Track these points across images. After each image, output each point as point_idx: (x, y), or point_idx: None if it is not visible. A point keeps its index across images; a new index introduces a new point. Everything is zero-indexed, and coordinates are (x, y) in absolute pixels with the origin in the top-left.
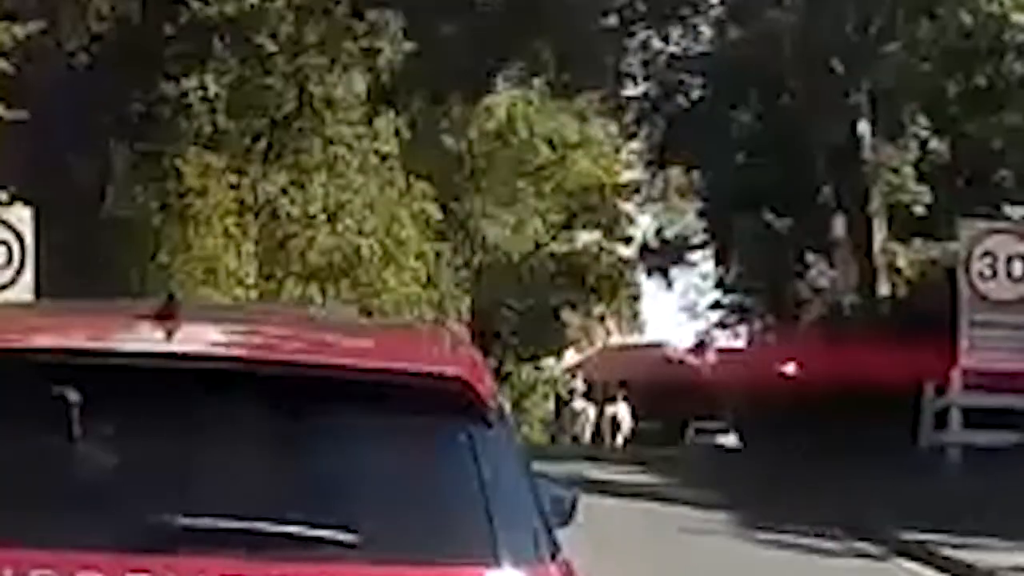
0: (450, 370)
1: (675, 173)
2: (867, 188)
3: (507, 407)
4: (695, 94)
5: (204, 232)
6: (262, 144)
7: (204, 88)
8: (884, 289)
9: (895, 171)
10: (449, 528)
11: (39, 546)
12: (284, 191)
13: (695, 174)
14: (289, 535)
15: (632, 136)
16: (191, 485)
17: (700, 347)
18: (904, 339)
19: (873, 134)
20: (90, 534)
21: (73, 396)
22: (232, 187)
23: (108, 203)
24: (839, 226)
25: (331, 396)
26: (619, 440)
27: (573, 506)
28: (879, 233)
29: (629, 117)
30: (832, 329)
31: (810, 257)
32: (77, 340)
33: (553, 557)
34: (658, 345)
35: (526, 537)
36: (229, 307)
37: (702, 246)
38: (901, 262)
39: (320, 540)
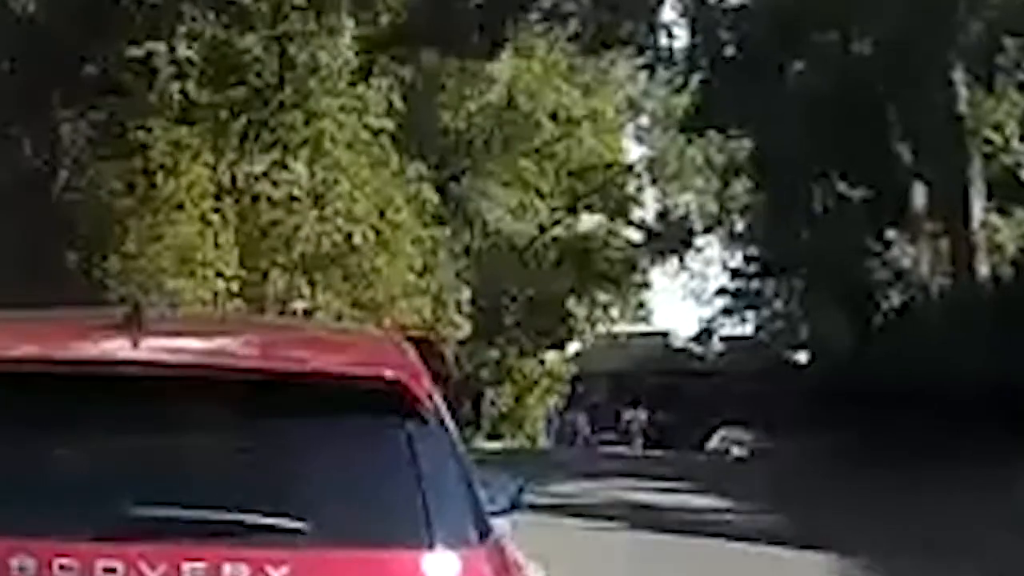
0: (389, 374)
1: (687, 148)
2: (963, 150)
3: (506, 402)
4: (741, 43)
5: (176, 218)
6: (241, 121)
7: (173, 51)
8: (984, 269)
9: (996, 128)
10: (388, 516)
11: (18, 536)
12: (265, 173)
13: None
14: (243, 523)
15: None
16: (153, 480)
17: (705, 335)
18: (1008, 329)
19: (970, 85)
20: (63, 525)
21: (44, 402)
22: (207, 166)
23: (59, 185)
24: (919, 197)
25: (281, 398)
26: (638, 443)
27: (520, 491)
28: (977, 203)
29: (663, 74)
30: (917, 318)
31: (889, 233)
32: (47, 350)
33: (484, 540)
34: (661, 334)
35: (459, 523)
36: (192, 316)
37: (709, 229)
38: (1002, 237)
39: (271, 528)
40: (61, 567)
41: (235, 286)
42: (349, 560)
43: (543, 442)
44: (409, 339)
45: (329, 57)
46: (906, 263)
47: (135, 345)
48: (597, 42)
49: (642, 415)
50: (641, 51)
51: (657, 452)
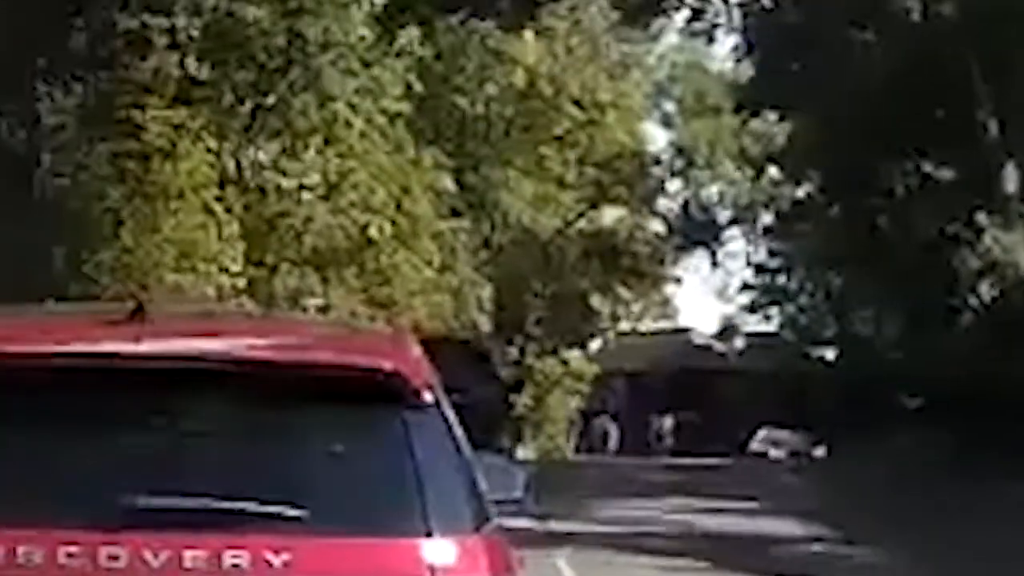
0: (388, 364)
1: (720, 134)
2: None
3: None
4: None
5: (176, 208)
6: (247, 103)
7: (172, 25)
8: None
9: None
10: (386, 504)
11: (24, 526)
12: (274, 160)
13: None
14: (243, 512)
15: None
16: (156, 470)
17: (728, 332)
18: None
19: None
20: (68, 516)
21: (48, 396)
22: (210, 152)
23: (43, 169)
24: (1011, 178)
25: (282, 388)
26: (665, 450)
27: (527, 483)
28: None
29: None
30: (1011, 313)
31: (980, 218)
32: (52, 344)
33: (482, 528)
34: (682, 331)
35: (456, 511)
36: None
37: (734, 221)
38: None
39: (271, 516)
40: (67, 556)
41: (241, 283)
42: (348, 547)
43: (565, 449)
44: (455, 341)
45: (342, 32)
46: (998, 252)
47: (138, 339)
48: (646, 7)
49: (668, 421)
50: (695, 15)
51: (695, 460)
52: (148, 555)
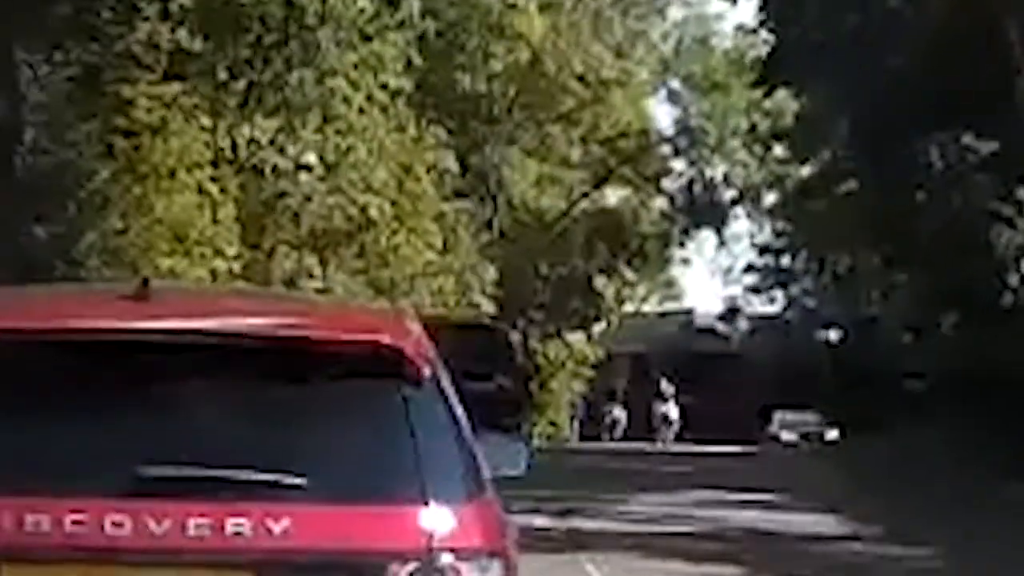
0: (387, 339)
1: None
2: None
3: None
4: None
5: (168, 188)
6: (242, 81)
7: None
8: None
9: None
10: (384, 473)
11: (32, 495)
12: (272, 139)
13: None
14: (245, 480)
15: None
16: (161, 440)
17: (731, 314)
18: None
19: None
20: (74, 484)
21: (57, 369)
22: (203, 129)
23: (25, 146)
24: None
25: (285, 362)
26: (670, 435)
27: (530, 455)
28: None
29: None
30: None
31: (1021, 193)
32: (62, 320)
33: (477, 497)
34: (684, 312)
35: (452, 480)
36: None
37: (736, 201)
38: None
39: (272, 484)
40: (73, 523)
41: (236, 266)
42: (346, 515)
43: (568, 433)
44: (478, 327)
45: (341, 3)
46: None
47: (144, 315)
48: None
49: (673, 406)
50: None
51: (711, 447)
52: (152, 523)
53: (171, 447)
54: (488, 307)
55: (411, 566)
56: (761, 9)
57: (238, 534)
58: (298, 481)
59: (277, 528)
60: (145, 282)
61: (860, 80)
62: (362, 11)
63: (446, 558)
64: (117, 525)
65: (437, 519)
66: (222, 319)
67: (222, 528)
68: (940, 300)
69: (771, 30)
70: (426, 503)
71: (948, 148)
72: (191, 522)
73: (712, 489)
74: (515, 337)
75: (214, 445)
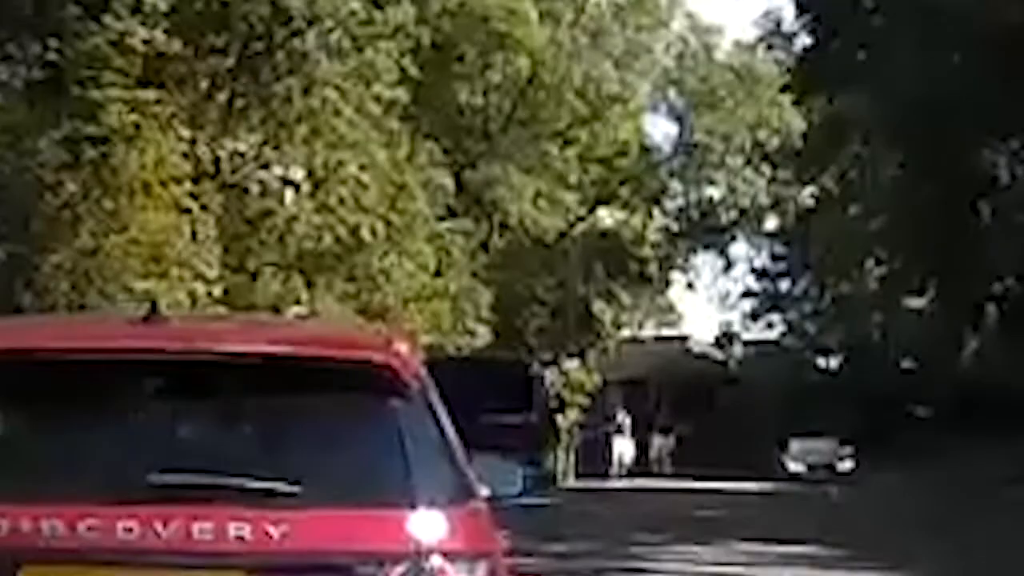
0: (378, 357)
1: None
2: None
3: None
4: None
5: (143, 204)
6: (225, 90)
7: None
8: None
9: None
10: (375, 481)
11: (47, 502)
12: (256, 154)
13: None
14: (246, 488)
15: None
16: (168, 451)
17: (727, 339)
18: None
19: None
20: (88, 491)
21: (71, 386)
22: (181, 140)
23: None
24: None
25: (283, 379)
26: (667, 468)
27: (525, 478)
28: None
29: None
30: None
31: None
32: (76, 341)
33: (463, 503)
34: (680, 338)
35: (439, 487)
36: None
37: (735, 223)
38: None
39: (271, 492)
40: (87, 528)
41: (218, 290)
42: (340, 519)
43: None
44: (517, 364)
45: (330, 5)
46: None
47: (155, 336)
48: None
49: (670, 440)
50: None
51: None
52: (160, 527)
53: (180, 457)
54: (484, 333)
55: (401, 567)
56: (800, 9)
57: (239, 538)
58: (295, 488)
59: (276, 532)
60: (154, 307)
61: (915, 83)
62: (353, 13)
63: (435, 560)
64: (128, 530)
65: (425, 523)
66: (227, 340)
67: (224, 532)
68: (971, 319)
69: (811, 31)
70: (415, 508)
71: (1001, 155)
72: (196, 526)
73: (761, 541)
74: (548, 375)
75: (220, 455)
